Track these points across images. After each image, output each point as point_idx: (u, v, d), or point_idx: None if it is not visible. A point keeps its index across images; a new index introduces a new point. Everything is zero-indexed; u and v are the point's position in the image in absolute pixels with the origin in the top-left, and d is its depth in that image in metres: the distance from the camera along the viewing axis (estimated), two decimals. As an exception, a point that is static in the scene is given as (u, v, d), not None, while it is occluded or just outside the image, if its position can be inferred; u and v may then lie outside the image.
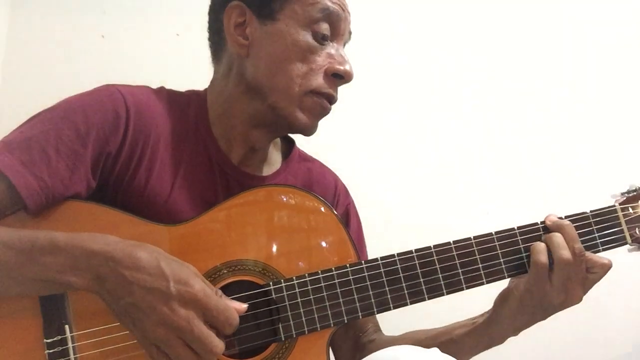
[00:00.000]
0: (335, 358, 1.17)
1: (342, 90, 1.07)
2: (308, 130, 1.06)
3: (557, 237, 0.96)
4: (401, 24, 1.94)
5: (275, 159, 1.17)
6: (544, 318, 0.99)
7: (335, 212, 1.01)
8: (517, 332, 1.01)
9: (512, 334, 1.01)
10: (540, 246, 0.96)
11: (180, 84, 1.12)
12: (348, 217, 1.20)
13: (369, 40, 1.71)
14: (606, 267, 0.97)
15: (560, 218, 1.00)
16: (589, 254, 0.97)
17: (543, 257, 0.95)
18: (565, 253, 0.94)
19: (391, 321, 1.16)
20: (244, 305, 0.87)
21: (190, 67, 1.40)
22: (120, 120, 0.95)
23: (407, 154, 1.88)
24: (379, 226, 1.37)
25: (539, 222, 1.00)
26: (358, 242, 1.17)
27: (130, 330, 0.83)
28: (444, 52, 1.95)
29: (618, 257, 1.00)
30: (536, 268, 0.95)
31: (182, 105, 1.07)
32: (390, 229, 1.32)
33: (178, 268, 0.83)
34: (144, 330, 0.80)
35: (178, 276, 0.81)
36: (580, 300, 0.97)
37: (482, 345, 1.03)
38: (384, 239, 1.25)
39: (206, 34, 1.12)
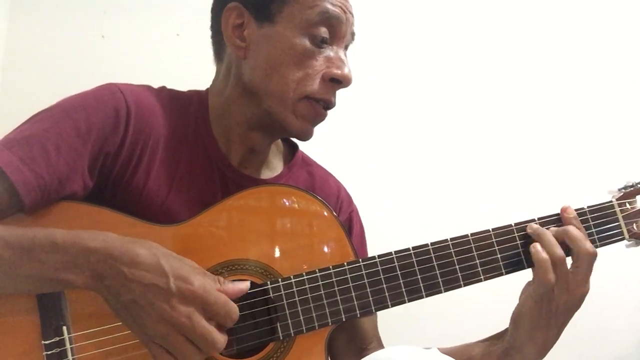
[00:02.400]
0: None
1: (343, 91, 1.06)
2: (303, 136, 1.06)
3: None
4: (402, 25, 1.94)
5: (276, 164, 1.16)
6: (558, 329, 0.96)
7: (333, 212, 1.00)
8: (541, 353, 0.97)
9: (536, 357, 0.97)
10: (545, 261, 0.95)
11: (180, 84, 1.11)
12: (351, 225, 1.18)
13: (369, 41, 1.71)
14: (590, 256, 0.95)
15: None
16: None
17: (550, 275, 0.93)
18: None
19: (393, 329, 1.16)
20: (246, 283, 0.88)
21: (190, 67, 1.40)
22: (121, 120, 0.95)
23: (406, 154, 1.88)
24: (378, 227, 1.36)
25: (536, 218, 1.00)
26: (360, 251, 1.16)
27: (130, 328, 0.83)
28: (442, 52, 1.96)
29: (617, 256, 1.00)
30: (543, 281, 0.94)
31: (182, 105, 1.07)
32: (389, 230, 1.33)
33: (177, 264, 0.83)
34: (145, 327, 0.81)
35: (177, 272, 0.82)
36: (584, 294, 0.95)
37: None
38: (382, 239, 1.25)
39: (206, 34, 1.12)
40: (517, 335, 0.98)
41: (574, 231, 0.96)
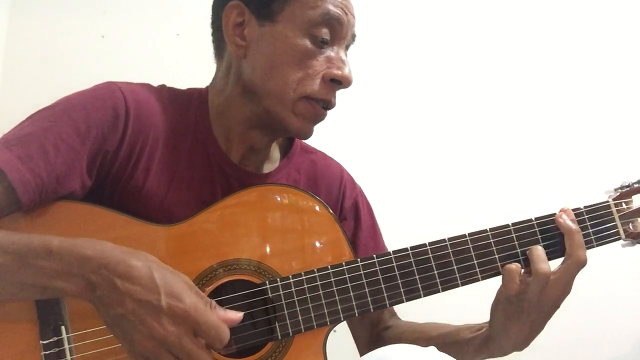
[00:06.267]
0: (357, 346, 1.19)
1: (341, 90, 1.05)
2: (303, 135, 1.06)
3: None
4: (403, 24, 1.94)
5: (276, 156, 1.16)
6: (531, 325, 0.96)
7: (331, 211, 1.01)
8: (516, 346, 0.98)
9: (511, 348, 0.98)
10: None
11: (181, 84, 1.12)
12: (357, 208, 1.19)
13: (371, 40, 1.71)
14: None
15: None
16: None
17: (515, 285, 0.94)
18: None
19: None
20: (239, 314, 0.85)
21: (190, 67, 1.40)
22: (120, 119, 0.95)
23: (404, 154, 1.89)
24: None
25: (533, 219, 1.00)
26: (372, 230, 1.18)
27: (119, 340, 0.82)
28: (445, 52, 1.96)
29: (617, 256, 1.00)
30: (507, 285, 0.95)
31: (182, 103, 1.06)
32: (387, 229, 1.33)
33: (171, 280, 0.82)
34: (133, 342, 0.80)
35: (170, 289, 0.80)
36: (562, 296, 0.95)
37: (483, 356, 1.03)
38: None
39: (206, 34, 1.12)
40: (493, 326, 0.99)
41: (580, 238, 0.96)
